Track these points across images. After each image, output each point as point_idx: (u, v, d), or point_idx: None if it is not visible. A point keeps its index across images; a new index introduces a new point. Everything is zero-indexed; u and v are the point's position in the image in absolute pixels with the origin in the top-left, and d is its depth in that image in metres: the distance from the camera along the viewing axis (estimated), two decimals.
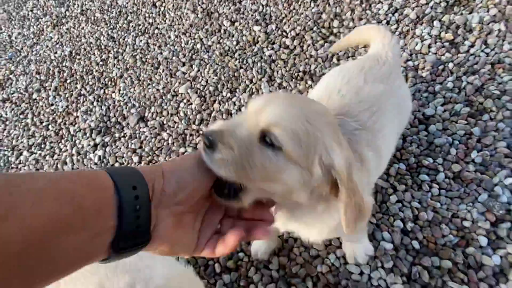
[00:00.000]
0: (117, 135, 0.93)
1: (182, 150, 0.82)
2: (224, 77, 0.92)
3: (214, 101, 0.90)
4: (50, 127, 1.06)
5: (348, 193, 0.29)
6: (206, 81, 0.94)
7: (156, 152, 0.84)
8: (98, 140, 0.94)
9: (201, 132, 0.67)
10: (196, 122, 0.86)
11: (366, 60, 0.51)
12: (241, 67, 0.92)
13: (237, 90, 0.88)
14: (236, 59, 0.94)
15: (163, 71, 1.02)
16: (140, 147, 0.87)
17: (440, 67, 0.73)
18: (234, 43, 0.99)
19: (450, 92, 0.69)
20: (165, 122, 0.91)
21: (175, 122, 0.90)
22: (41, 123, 1.08)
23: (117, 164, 0.84)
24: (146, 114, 0.95)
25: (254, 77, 0.88)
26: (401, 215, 0.59)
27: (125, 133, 0.93)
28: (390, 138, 0.47)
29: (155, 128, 0.90)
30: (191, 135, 0.85)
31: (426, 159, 0.63)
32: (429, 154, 0.63)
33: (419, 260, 0.54)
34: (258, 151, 0.28)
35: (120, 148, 0.89)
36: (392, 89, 0.48)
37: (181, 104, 0.93)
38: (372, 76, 0.47)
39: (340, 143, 0.30)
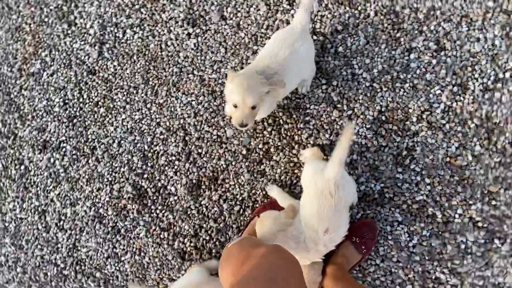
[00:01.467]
0: (204, 27, 1.35)
1: (255, 47, 1.30)
2: None
3: (277, 10, 1.29)
4: (142, 10, 1.42)
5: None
6: None
7: (237, 47, 1.32)
8: (190, 30, 1.36)
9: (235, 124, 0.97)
10: (264, 27, 1.30)
11: (286, 31, 1.00)
12: None
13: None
14: None
15: None
16: (225, 41, 1.33)
17: None
18: None
19: None
20: (240, 23, 1.32)
21: (248, 24, 1.32)
22: (133, 5, 1.42)
23: (209, 54, 1.33)
24: (224, 13, 1.34)
25: None
26: None
27: (210, 27, 1.35)
28: (292, 80, 1.03)
29: (234, 27, 1.32)
30: (261, 37, 1.30)
31: None
32: None
33: None
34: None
35: (209, 39, 1.34)
36: (295, 51, 0.98)
37: (251, 9, 1.31)
38: (285, 43, 0.97)
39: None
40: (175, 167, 1.33)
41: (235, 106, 0.92)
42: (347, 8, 1.25)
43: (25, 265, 1.44)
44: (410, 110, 1.19)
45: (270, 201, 1.22)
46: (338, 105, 1.24)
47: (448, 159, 1.17)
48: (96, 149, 1.40)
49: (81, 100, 1.44)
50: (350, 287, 0.93)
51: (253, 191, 1.26)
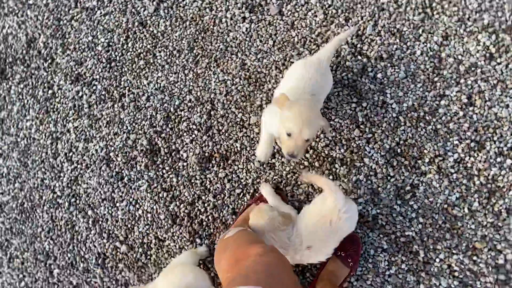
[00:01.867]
0: (260, 16, 1.42)
1: (301, 49, 1.37)
2: None
3: (332, 22, 1.36)
4: None
5: None
6: None
7: (285, 44, 1.39)
8: (246, 14, 1.43)
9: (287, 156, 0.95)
10: (316, 33, 1.36)
11: (311, 61, 1.06)
12: None
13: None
14: None
15: None
16: (275, 35, 1.40)
17: None
18: None
19: None
20: (295, 23, 1.39)
21: (302, 26, 1.38)
22: None
23: (257, 42, 1.40)
24: (283, 9, 1.40)
25: None
26: None
27: (265, 18, 1.41)
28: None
29: (288, 24, 1.39)
30: (310, 41, 1.37)
31: None
32: None
33: None
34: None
35: (261, 29, 1.41)
36: (325, 80, 1.07)
37: (309, 13, 1.38)
38: (316, 71, 1.03)
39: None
40: (193, 136, 1.39)
41: (289, 135, 0.88)
42: (397, 40, 1.32)
43: (24, 182, 1.49)
44: (425, 151, 1.26)
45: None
46: (361, 126, 1.30)
47: (446, 206, 1.23)
48: (124, 97, 1.46)
49: (125, 47, 1.50)
50: None
51: (258, 180, 1.33)
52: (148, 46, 1.48)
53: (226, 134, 1.37)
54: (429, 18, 1.30)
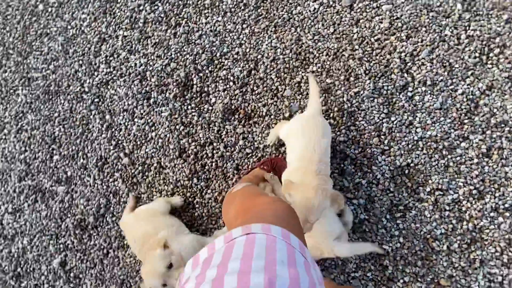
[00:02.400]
0: (331, 2, 1.48)
1: (357, 48, 1.43)
2: None
3: (394, 34, 1.42)
4: None
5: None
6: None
7: (343, 36, 1.45)
8: None
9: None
10: (375, 38, 1.42)
11: (306, 119, 1.09)
12: None
13: None
14: None
15: None
16: (338, 24, 1.46)
17: None
18: None
19: None
20: (360, 21, 1.45)
21: (365, 26, 1.44)
22: None
23: (319, 24, 1.46)
24: (354, 4, 1.46)
25: None
26: None
27: (335, 6, 1.47)
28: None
29: (353, 20, 1.45)
30: (367, 43, 1.43)
31: None
32: None
33: None
34: None
35: (328, 14, 1.47)
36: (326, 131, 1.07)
37: (376, 18, 1.44)
38: (316, 131, 1.04)
39: None
40: (227, 86, 1.46)
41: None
42: (445, 73, 1.38)
43: (59, 67, 1.56)
44: (430, 181, 1.33)
45: (275, 158, 1.35)
46: (382, 136, 1.37)
47: (428, 236, 1.31)
48: (179, 26, 1.53)
49: None
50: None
51: (268, 149, 1.40)
52: None
53: (258, 96, 1.44)
54: (482, 65, 1.36)
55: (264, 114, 1.42)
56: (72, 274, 1.43)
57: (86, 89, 1.51)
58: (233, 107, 1.43)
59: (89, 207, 1.45)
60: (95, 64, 1.52)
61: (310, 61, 1.43)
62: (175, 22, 1.51)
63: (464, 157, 1.33)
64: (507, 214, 1.28)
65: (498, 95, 1.34)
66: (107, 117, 1.48)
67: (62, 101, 1.52)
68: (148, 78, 1.48)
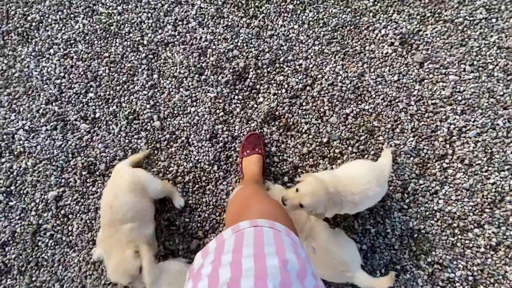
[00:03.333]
0: (403, 53, 1.52)
1: (413, 107, 1.47)
2: None
3: (451, 104, 1.46)
4: None
5: None
6: None
7: (404, 88, 1.49)
8: (396, 43, 1.53)
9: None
10: (432, 101, 1.47)
11: (377, 167, 1.15)
12: None
13: None
14: None
15: None
16: (403, 76, 1.50)
17: None
18: None
19: None
20: (424, 81, 1.49)
21: (426, 88, 1.49)
22: None
23: (386, 69, 1.50)
24: (425, 63, 1.51)
25: None
26: None
27: (406, 57, 1.51)
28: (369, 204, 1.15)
29: (418, 77, 1.49)
30: (424, 103, 1.47)
31: None
32: None
33: None
34: None
35: (398, 62, 1.51)
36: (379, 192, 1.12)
37: (440, 83, 1.48)
38: (377, 179, 1.08)
39: None
40: (279, 91, 1.48)
41: (297, 190, 0.97)
42: (484, 159, 1.42)
43: (126, 12, 1.57)
44: (433, 253, 1.37)
45: (247, 138, 1.38)
46: (405, 194, 1.40)
47: None
48: (255, 19, 1.55)
49: None
50: None
51: (291, 165, 1.42)
52: None
53: (304, 112, 1.47)
54: None
55: (303, 130, 1.45)
56: (63, 212, 1.43)
57: (145, 42, 1.52)
58: (277, 113, 1.46)
59: (104, 154, 1.45)
60: (163, 22, 1.53)
61: (365, 99, 1.46)
62: (252, 13, 1.54)
63: (473, 242, 1.37)
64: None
65: None
66: (155, 76, 1.49)
67: (117, 45, 1.53)
68: (208, 56, 1.50)
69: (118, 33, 1.54)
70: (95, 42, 1.54)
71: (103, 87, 1.50)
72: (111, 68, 1.51)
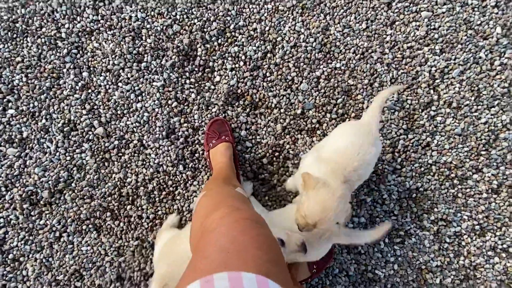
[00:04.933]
0: None
1: (388, 55, 1.32)
2: None
3: (429, 44, 1.33)
4: None
5: None
6: None
7: (375, 35, 1.34)
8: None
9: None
10: (408, 45, 1.33)
11: (360, 126, 0.97)
12: None
13: None
14: None
15: None
16: (372, 22, 1.34)
17: None
18: None
19: None
20: (395, 23, 1.34)
21: (400, 31, 1.34)
22: None
23: (352, 17, 1.33)
24: (393, 3, 1.35)
25: None
26: None
27: (372, 0, 1.35)
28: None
29: (388, 20, 1.34)
30: (399, 48, 1.33)
31: None
32: None
33: None
34: None
35: (363, 7, 1.35)
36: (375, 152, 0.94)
37: (413, 23, 1.34)
38: (365, 139, 0.92)
39: None
40: (237, 65, 1.30)
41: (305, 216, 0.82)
42: (472, 98, 1.32)
43: (32, 1, 1.30)
44: (436, 209, 1.28)
45: (211, 124, 1.22)
46: (396, 154, 1.29)
47: (423, 267, 1.26)
48: None
49: None
50: None
51: (274, 148, 1.26)
52: None
53: (270, 84, 1.29)
54: (509, 96, 1.32)
55: (273, 106, 1.28)
56: (10, 256, 1.21)
57: (63, 36, 1.26)
58: (239, 91, 1.28)
59: (45, 178, 1.23)
60: (80, 6, 1.28)
61: (335, 56, 1.31)
62: None
63: (474, 189, 1.29)
64: (504, 255, 1.27)
65: None
66: (85, 74, 1.26)
67: (30, 44, 1.26)
68: (144, 38, 1.27)
69: (27, 30, 1.27)
70: (0, 46, 1.27)
71: (24, 100, 1.25)
72: (29, 75, 1.26)
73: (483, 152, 1.31)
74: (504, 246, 1.28)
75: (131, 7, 1.30)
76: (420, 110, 1.31)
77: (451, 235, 1.28)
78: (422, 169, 1.30)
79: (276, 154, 1.28)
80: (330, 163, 0.92)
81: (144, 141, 1.26)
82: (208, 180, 1.15)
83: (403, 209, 1.28)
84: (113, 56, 1.28)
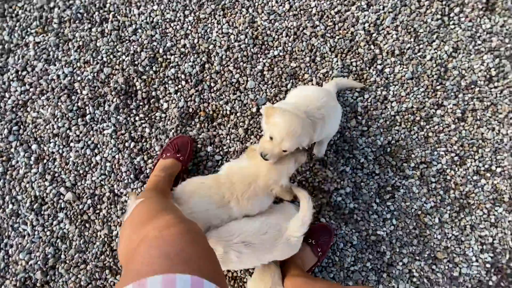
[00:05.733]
0: None
1: (317, 23, 1.34)
2: None
3: (354, 3, 1.35)
4: None
5: None
6: None
7: (301, 12, 1.34)
8: None
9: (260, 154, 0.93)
10: (335, 10, 1.34)
11: (320, 88, 1.13)
12: None
13: None
14: None
15: None
16: (294, 0, 1.35)
17: None
18: None
19: None
20: None
21: None
22: None
23: (273, 2, 1.33)
24: None
25: None
26: None
27: None
28: (322, 131, 1.02)
29: None
30: (328, 16, 1.34)
31: None
32: None
33: None
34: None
35: None
36: (334, 105, 1.08)
37: None
38: (326, 94, 1.05)
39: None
40: (179, 86, 1.29)
41: (271, 138, 0.89)
42: (412, 40, 1.35)
43: None
44: (413, 155, 1.32)
45: (175, 138, 1.21)
46: (359, 117, 1.32)
47: (419, 212, 1.31)
48: (106, 22, 1.30)
49: None
50: (310, 281, 0.93)
51: (236, 154, 1.27)
52: None
53: (218, 93, 1.29)
54: (445, 26, 1.35)
55: (228, 112, 1.29)
56: None
57: None
58: (190, 110, 1.28)
59: (33, 261, 1.22)
60: (4, 83, 1.24)
61: (270, 44, 1.31)
62: (100, 18, 1.29)
63: (441, 124, 1.33)
64: (488, 174, 1.32)
65: (464, 56, 1.35)
66: (34, 147, 1.24)
67: None
68: (79, 91, 1.25)
69: None
70: None
71: None
72: None
73: (438, 87, 1.35)
74: (486, 166, 1.34)
75: (55, 65, 1.27)
76: (367, 68, 1.34)
77: (435, 174, 1.32)
78: (388, 122, 1.33)
79: None
80: (294, 103, 0.98)
81: (116, 191, 1.25)
82: (145, 189, 1.09)
83: (382, 166, 1.31)
84: (55, 119, 1.25)
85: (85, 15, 1.29)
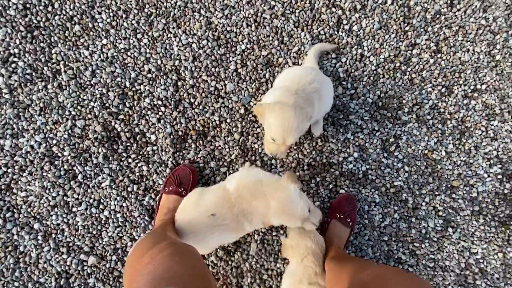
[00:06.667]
0: None
1: (274, 3, 1.30)
2: None
3: None
4: None
5: None
6: None
7: None
8: None
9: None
10: None
11: (305, 68, 1.14)
12: None
13: None
14: None
15: None
16: None
17: None
18: None
19: None
20: None
21: None
22: None
23: None
24: None
25: None
26: None
27: None
28: (320, 108, 1.04)
29: None
30: None
31: None
32: None
33: None
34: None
35: None
36: (324, 80, 1.10)
37: None
38: (313, 71, 1.05)
39: None
40: (160, 113, 1.25)
41: (273, 140, 0.90)
42: None
43: None
44: (404, 101, 1.35)
45: (175, 170, 1.20)
46: (343, 82, 1.32)
47: (426, 151, 1.36)
48: (60, 74, 1.22)
49: (49, 9, 1.23)
50: (352, 263, 0.94)
51: (243, 154, 1.27)
52: (83, 7, 1.24)
53: (200, 107, 1.26)
54: None
55: (218, 122, 1.27)
56: None
57: None
58: (180, 133, 1.24)
59: None
60: None
61: (234, 40, 1.28)
62: (51, 72, 1.20)
63: (420, 63, 1.37)
64: (476, 94, 1.38)
65: None
66: (36, 226, 1.18)
67: None
68: (60, 155, 1.19)
69: None
70: None
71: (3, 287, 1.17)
72: None
73: (407, 28, 1.36)
74: (472, 88, 1.40)
75: (24, 137, 1.19)
76: (336, 32, 1.33)
77: (429, 112, 1.37)
78: (372, 78, 1.35)
79: (252, 158, 1.29)
80: (283, 86, 0.98)
81: (136, 237, 1.23)
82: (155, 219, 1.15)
83: (380, 121, 1.35)
84: (47, 191, 1.20)
85: (34, 74, 1.20)
